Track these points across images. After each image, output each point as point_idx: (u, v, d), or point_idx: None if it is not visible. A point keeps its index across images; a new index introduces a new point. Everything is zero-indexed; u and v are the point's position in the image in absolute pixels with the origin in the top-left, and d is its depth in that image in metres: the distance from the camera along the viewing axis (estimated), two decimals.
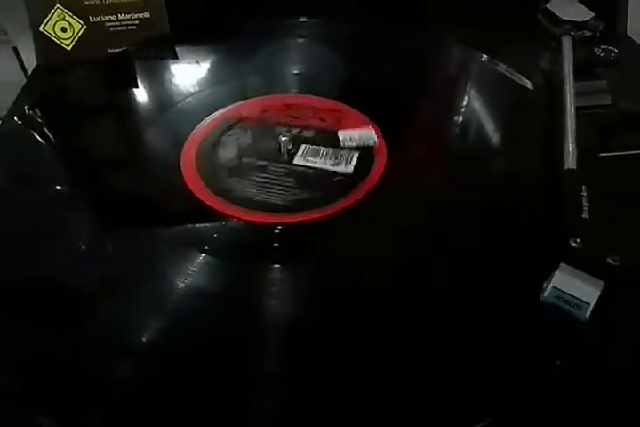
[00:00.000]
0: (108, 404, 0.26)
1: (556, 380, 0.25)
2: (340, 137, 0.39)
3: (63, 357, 0.28)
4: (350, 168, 0.37)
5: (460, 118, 0.43)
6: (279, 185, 0.36)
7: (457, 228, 0.33)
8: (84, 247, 0.34)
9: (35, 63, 0.51)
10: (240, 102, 0.43)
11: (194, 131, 0.40)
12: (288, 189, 0.36)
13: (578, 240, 0.26)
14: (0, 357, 0.28)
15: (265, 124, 0.41)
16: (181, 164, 0.38)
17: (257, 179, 0.37)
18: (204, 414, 0.25)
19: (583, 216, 0.27)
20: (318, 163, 0.37)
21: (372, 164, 0.37)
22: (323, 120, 0.41)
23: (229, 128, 0.41)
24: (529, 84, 0.44)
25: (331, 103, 0.42)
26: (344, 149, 0.39)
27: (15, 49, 0.60)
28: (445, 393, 0.25)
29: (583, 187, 0.29)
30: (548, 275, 0.27)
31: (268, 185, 0.36)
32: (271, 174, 0.37)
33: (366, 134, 0.39)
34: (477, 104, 0.44)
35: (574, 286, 0.25)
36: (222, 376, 0.27)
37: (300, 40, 0.48)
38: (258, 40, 0.48)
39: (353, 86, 0.44)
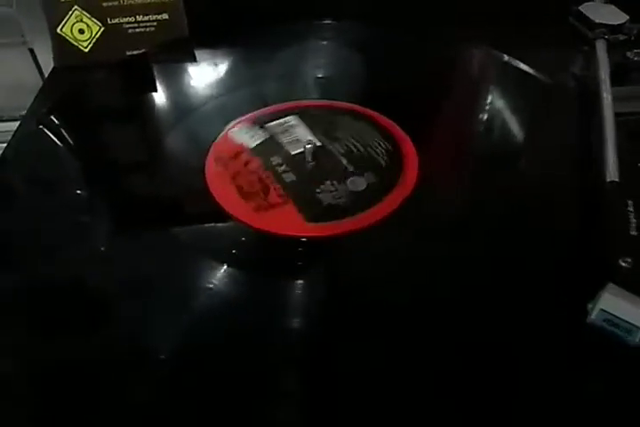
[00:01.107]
0: (124, 411, 0.25)
1: (600, 407, 0.24)
2: None
3: (80, 361, 0.27)
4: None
5: (489, 124, 0.42)
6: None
7: (493, 241, 0.32)
8: (103, 251, 0.33)
9: (52, 65, 0.50)
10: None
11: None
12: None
13: (628, 260, 0.24)
14: (15, 361, 0.27)
15: None
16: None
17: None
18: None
19: (632, 233, 0.25)
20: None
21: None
22: None
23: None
24: (560, 89, 0.42)
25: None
26: None
27: (31, 50, 0.60)
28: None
29: (629, 201, 0.27)
30: (590, 295, 0.26)
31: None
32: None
33: None
34: (507, 110, 0.43)
35: (624, 309, 0.24)
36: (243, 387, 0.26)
37: (323, 42, 0.46)
38: (279, 43, 0.47)
39: (377, 90, 0.42)
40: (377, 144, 0.37)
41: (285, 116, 0.40)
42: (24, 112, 0.60)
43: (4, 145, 0.57)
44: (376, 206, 0.33)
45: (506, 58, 0.44)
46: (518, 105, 0.42)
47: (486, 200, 0.35)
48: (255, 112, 0.41)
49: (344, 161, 0.36)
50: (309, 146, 0.36)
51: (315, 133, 0.38)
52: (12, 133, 0.59)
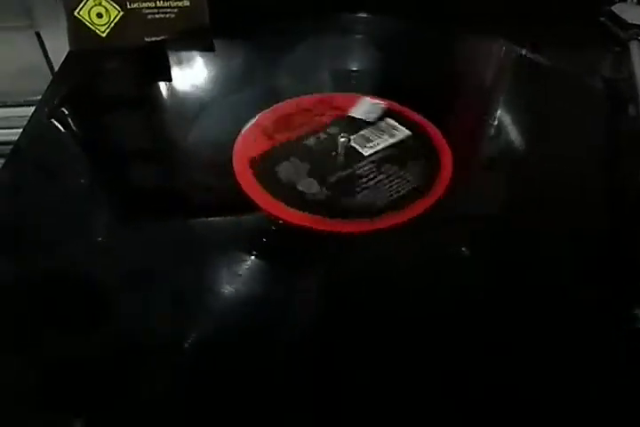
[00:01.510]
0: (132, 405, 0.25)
1: None
2: (357, 116, 0.38)
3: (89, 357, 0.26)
4: (405, 132, 0.36)
5: (519, 124, 0.41)
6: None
7: (531, 242, 0.31)
8: (122, 244, 0.32)
9: (60, 49, 0.48)
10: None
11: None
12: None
13: None
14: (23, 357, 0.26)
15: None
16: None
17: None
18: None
19: None
20: (379, 145, 0.36)
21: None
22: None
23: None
24: (591, 90, 0.42)
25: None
26: (374, 122, 0.38)
27: (38, 34, 0.58)
28: None
29: None
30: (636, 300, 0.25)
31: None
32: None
33: (368, 104, 0.38)
34: (536, 110, 0.42)
35: None
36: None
37: (351, 36, 0.45)
38: (303, 35, 0.45)
39: (406, 85, 0.41)
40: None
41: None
42: (30, 97, 0.59)
43: (11, 131, 0.56)
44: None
45: (536, 58, 0.43)
46: (547, 105, 0.42)
47: (521, 199, 0.34)
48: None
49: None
50: (343, 139, 0.35)
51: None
52: (16, 119, 0.58)
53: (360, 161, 0.35)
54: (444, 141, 0.36)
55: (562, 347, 0.26)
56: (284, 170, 0.35)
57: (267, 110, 0.39)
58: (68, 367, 0.26)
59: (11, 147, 0.40)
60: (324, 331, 0.28)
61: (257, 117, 0.38)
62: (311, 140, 0.37)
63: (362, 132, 0.37)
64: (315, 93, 0.40)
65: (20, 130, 0.56)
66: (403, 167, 0.35)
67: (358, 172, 0.34)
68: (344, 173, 0.34)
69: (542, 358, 0.26)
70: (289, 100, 0.40)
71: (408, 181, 0.34)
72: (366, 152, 0.36)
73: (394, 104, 0.39)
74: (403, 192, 0.33)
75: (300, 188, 0.33)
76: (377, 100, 0.39)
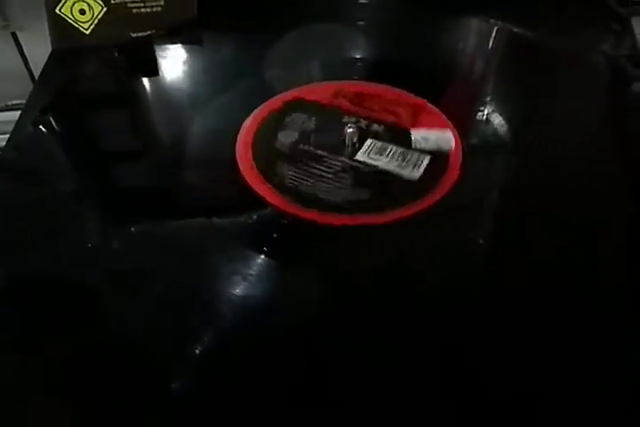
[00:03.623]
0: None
1: None
2: (413, 137, 0.35)
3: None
4: (417, 174, 0.33)
5: (515, 107, 0.40)
6: (334, 180, 0.33)
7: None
8: (127, 243, 0.31)
9: (38, 50, 0.46)
10: (303, 86, 0.39)
11: (252, 114, 0.37)
12: (343, 187, 0.32)
13: None
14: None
15: (332, 112, 0.37)
16: (237, 148, 0.34)
17: (312, 170, 0.33)
18: None
19: None
20: (382, 162, 0.33)
21: (443, 172, 0.33)
22: (396, 115, 0.36)
23: (291, 112, 0.37)
24: (592, 68, 0.41)
25: (408, 97, 0.38)
26: (415, 150, 0.34)
27: (14, 35, 0.55)
28: None
29: None
30: None
31: (323, 179, 0.33)
32: (328, 167, 0.33)
33: (444, 137, 0.35)
34: (539, 90, 0.41)
35: None
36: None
37: (362, 23, 0.44)
38: (309, 21, 0.44)
39: (430, 77, 0.40)
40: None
41: None
42: (10, 102, 0.57)
43: None
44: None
45: (535, 37, 0.42)
46: (549, 86, 0.41)
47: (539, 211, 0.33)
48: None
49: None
50: (351, 130, 0.34)
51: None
52: None
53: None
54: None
55: (571, 345, 0.26)
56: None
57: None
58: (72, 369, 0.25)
59: None
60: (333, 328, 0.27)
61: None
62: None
63: (385, 144, 0.35)
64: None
65: (3, 135, 0.54)
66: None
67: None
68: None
69: (548, 351, 0.25)
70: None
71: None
72: (363, 158, 0.34)
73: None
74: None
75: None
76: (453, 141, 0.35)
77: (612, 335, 0.26)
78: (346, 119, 0.36)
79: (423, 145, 0.34)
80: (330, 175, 0.33)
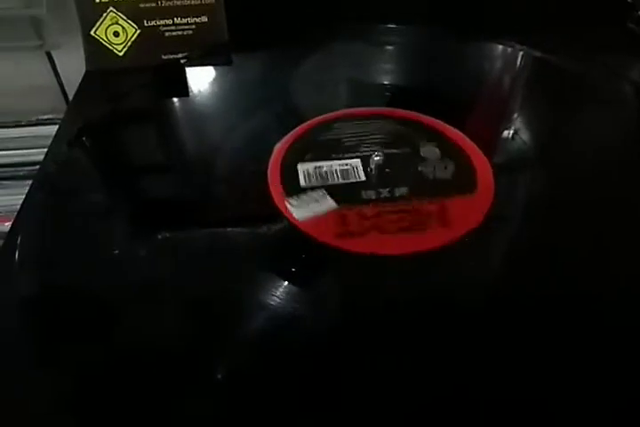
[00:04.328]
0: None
1: None
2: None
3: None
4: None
5: (549, 132, 0.40)
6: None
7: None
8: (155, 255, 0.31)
9: (71, 68, 0.47)
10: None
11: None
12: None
13: None
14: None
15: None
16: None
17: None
18: None
19: None
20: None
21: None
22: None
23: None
24: (621, 97, 0.41)
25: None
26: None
27: (49, 54, 0.57)
28: None
29: None
30: None
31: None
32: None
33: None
34: (567, 118, 0.41)
35: None
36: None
37: (389, 47, 0.44)
38: (324, 46, 0.45)
39: (431, 96, 0.41)
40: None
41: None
42: (42, 116, 0.58)
43: (26, 151, 0.55)
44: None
45: (566, 65, 0.42)
46: (576, 113, 0.41)
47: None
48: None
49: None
50: (378, 158, 0.34)
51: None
52: (30, 139, 0.57)
53: None
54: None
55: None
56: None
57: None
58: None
59: (27, 167, 0.39)
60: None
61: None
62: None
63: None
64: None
65: (34, 150, 0.55)
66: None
67: None
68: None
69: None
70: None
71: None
72: None
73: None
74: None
75: None
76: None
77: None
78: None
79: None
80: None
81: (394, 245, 0.30)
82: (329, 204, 0.33)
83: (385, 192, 0.33)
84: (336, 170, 0.35)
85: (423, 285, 0.30)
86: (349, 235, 0.31)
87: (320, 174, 0.34)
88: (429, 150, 0.36)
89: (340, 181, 0.34)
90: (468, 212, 0.32)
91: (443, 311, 0.28)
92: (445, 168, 0.35)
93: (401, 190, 0.33)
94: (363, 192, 0.33)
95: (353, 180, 0.34)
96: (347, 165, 0.35)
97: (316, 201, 0.33)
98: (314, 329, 0.28)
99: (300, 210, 0.32)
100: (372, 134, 0.37)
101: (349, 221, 0.31)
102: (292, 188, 0.34)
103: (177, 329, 0.28)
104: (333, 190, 0.33)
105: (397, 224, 0.31)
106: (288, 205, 0.33)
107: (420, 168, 0.35)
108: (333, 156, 0.36)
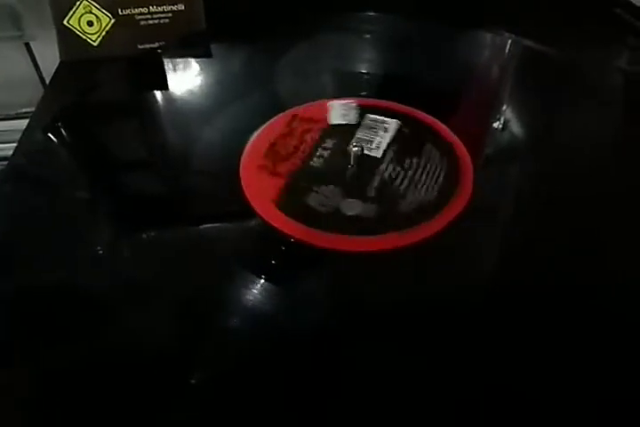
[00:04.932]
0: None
1: None
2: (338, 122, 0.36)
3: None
4: (393, 122, 0.35)
5: (533, 122, 0.39)
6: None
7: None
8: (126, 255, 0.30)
9: (50, 59, 0.46)
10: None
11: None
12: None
13: None
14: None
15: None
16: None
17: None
18: None
19: None
20: (382, 141, 0.34)
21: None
22: None
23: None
24: (609, 85, 0.40)
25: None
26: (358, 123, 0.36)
27: (27, 45, 0.56)
28: None
29: None
30: None
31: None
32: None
33: (340, 106, 0.36)
34: (554, 108, 0.40)
35: None
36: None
37: (366, 36, 0.43)
38: (312, 36, 0.43)
39: (414, 87, 0.39)
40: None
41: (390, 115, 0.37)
42: (22, 110, 0.57)
43: (4, 145, 0.54)
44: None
45: (550, 53, 0.41)
46: (562, 101, 0.40)
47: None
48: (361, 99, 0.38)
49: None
50: (356, 149, 0.33)
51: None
52: (9, 133, 0.56)
53: (380, 165, 0.33)
54: (434, 121, 0.36)
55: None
56: (316, 201, 0.32)
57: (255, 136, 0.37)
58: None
59: (4, 162, 0.38)
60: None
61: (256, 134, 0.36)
62: (316, 161, 0.34)
63: (357, 136, 0.35)
64: (294, 107, 0.38)
65: (13, 144, 0.54)
66: (421, 156, 0.34)
67: (387, 176, 0.33)
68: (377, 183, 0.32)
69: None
70: (271, 122, 0.37)
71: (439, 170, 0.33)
72: (378, 154, 0.34)
73: (363, 100, 0.38)
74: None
75: (347, 212, 0.31)
76: (345, 101, 0.38)
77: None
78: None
79: (349, 117, 0.36)
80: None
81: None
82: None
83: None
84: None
85: (402, 281, 0.29)
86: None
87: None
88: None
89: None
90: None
91: (416, 307, 0.27)
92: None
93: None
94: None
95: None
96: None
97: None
98: (289, 329, 0.27)
99: None
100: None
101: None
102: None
103: (146, 329, 0.27)
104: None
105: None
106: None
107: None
108: None
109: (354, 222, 0.30)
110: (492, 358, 0.25)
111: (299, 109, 0.38)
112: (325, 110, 0.37)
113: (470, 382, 0.24)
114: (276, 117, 0.37)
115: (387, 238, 0.29)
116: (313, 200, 0.32)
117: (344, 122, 0.36)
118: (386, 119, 0.36)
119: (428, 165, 0.33)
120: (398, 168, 0.33)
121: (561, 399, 0.23)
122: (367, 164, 0.33)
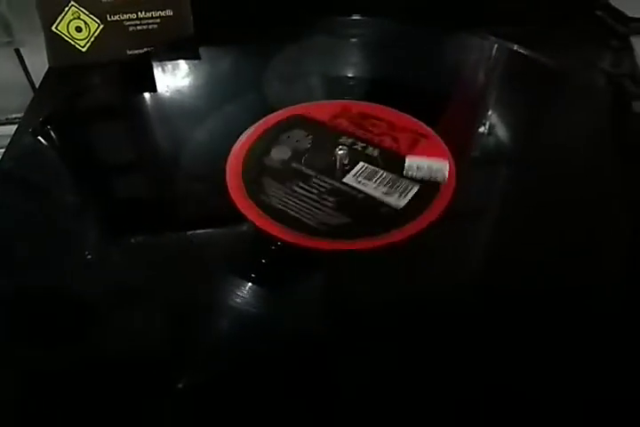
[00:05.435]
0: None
1: None
2: (407, 164, 0.34)
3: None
4: (402, 202, 0.32)
5: (514, 124, 0.39)
6: (318, 202, 0.32)
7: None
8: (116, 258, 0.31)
9: (41, 65, 0.46)
10: (305, 104, 0.39)
11: (248, 129, 0.37)
12: (325, 210, 0.31)
13: None
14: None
15: (330, 131, 0.36)
16: (228, 163, 0.35)
17: (298, 190, 0.33)
18: None
19: None
20: (369, 187, 0.33)
21: (430, 202, 0.32)
22: (395, 140, 0.36)
23: (289, 129, 0.37)
24: (591, 87, 0.40)
25: (413, 123, 0.37)
26: (405, 178, 0.33)
27: (17, 51, 0.56)
28: None
29: None
30: None
31: (306, 199, 0.32)
32: (313, 188, 0.33)
33: (438, 167, 0.34)
34: (535, 109, 0.40)
35: None
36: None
37: (354, 40, 0.44)
38: (311, 37, 0.44)
39: (404, 91, 0.40)
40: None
41: None
42: (12, 115, 0.57)
43: None
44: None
45: (532, 55, 0.41)
46: (546, 104, 0.40)
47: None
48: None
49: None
50: (341, 152, 0.34)
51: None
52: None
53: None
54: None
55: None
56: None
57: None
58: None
59: None
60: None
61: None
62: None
63: (376, 169, 0.34)
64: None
65: (2, 150, 0.54)
66: None
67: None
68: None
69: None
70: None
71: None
72: (351, 181, 0.33)
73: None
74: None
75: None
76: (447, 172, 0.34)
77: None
78: (342, 140, 0.36)
79: (415, 173, 0.34)
80: (314, 196, 0.32)
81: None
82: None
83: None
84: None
85: (388, 280, 0.30)
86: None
87: None
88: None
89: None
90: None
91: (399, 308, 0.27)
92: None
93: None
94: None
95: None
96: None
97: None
98: (277, 331, 0.27)
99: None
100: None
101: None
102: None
103: (132, 332, 0.27)
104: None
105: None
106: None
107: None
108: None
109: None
110: (473, 356, 0.25)
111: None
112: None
113: (459, 379, 0.24)
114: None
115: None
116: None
117: (412, 172, 0.34)
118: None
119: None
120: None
121: (544, 394, 0.24)
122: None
